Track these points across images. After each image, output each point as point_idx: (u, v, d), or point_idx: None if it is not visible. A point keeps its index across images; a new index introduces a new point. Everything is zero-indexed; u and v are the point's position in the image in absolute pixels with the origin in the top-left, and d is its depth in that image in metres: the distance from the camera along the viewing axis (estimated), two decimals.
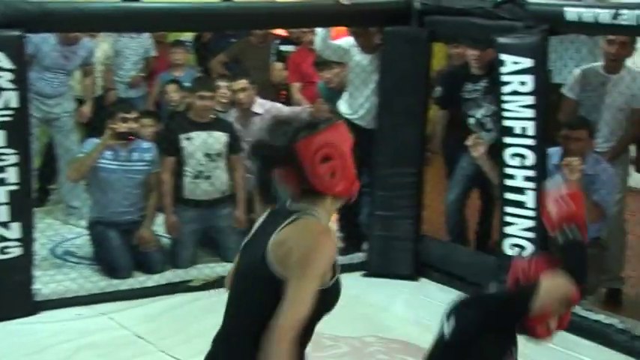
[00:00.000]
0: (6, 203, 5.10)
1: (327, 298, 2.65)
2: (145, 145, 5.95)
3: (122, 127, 5.68)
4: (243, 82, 6.35)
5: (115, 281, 5.65)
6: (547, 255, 3.40)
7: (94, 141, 5.80)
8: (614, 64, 5.55)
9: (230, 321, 2.70)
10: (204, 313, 5.18)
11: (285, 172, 2.55)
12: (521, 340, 3.32)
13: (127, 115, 5.75)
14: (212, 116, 6.12)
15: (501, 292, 3.36)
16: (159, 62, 7.77)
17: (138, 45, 7.52)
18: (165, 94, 7.11)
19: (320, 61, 6.44)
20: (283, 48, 7.66)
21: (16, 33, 5.05)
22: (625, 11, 4.69)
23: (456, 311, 3.00)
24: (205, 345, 4.86)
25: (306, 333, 2.63)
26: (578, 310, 5.14)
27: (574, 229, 3.12)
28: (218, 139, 6.02)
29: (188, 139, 5.96)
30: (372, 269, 6.04)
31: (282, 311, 2.47)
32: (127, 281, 5.66)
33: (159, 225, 6.14)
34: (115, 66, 7.46)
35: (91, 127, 6.66)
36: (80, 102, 7.08)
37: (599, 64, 5.75)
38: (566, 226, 3.13)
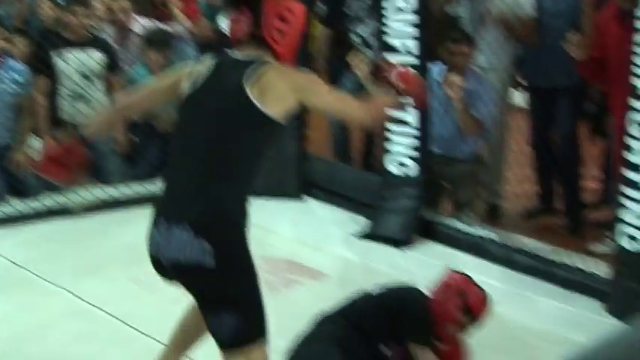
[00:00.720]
0: None
1: (279, 133, 3.12)
2: (16, 65, 5.76)
3: None
4: (121, 1, 6.21)
5: None
6: None
7: None
8: None
9: (212, 165, 2.96)
10: (84, 239, 5.20)
11: (246, 13, 2.95)
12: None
13: None
14: (88, 34, 5.99)
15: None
16: None
17: None
18: (36, 10, 6.84)
19: None
20: None
21: None
22: None
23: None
24: (87, 270, 4.86)
25: (259, 168, 3.14)
26: (460, 226, 5.41)
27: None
28: (95, 58, 5.93)
29: (62, 58, 5.84)
30: (257, 190, 6.01)
31: (346, 114, 3.23)
32: (1, 207, 5.57)
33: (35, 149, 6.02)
34: None
35: None
36: None
37: None
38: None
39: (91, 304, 4.37)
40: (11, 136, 5.77)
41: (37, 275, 4.70)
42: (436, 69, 5.47)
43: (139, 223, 4.63)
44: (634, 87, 4.26)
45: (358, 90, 6.08)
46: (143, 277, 4.04)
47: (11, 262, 4.87)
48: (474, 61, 5.50)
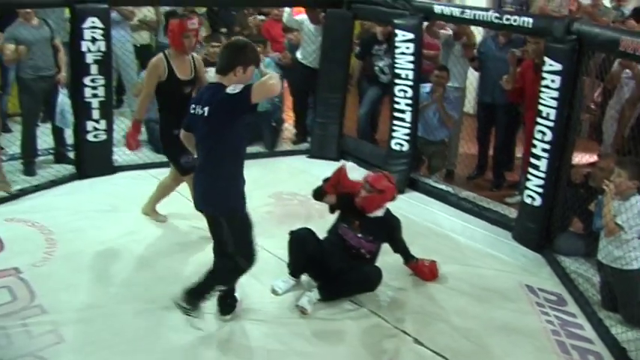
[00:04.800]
0: (98, 108, 5.06)
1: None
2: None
3: None
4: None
5: (153, 155, 5.49)
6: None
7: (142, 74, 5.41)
8: (456, 36, 5.68)
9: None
10: None
11: None
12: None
13: None
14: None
15: None
16: None
17: None
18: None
19: (285, 27, 6.32)
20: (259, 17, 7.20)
21: (104, 5, 4.94)
22: (467, 10, 4.80)
23: None
24: None
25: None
26: (431, 182, 5.36)
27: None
28: None
29: (206, 71, 5.32)
30: (313, 154, 6.08)
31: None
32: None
33: None
34: None
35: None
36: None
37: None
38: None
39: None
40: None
41: None
42: (427, 87, 5.43)
43: (246, 168, 4.58)
44: (539, 110, 4.23)
45: (379, 97, 6.16)
46: None
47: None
48: (448, 81, 5.44)
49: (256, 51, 3.09)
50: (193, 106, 3.00)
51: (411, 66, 5.23)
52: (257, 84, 2.80)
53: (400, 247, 3.83)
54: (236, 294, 3.35)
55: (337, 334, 3.26)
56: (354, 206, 3.60)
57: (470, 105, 6.14)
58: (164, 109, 4.03)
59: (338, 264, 3.52)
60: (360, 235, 3.61)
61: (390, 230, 3.72)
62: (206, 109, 2.88)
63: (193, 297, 3.11)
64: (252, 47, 3.02)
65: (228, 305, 3.29)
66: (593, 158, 4.69)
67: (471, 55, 5.64)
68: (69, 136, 5.39)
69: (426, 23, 5.36)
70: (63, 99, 5.15)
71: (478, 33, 5.82)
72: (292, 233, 3.56)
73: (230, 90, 2.80)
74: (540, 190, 4.35)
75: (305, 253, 3.51)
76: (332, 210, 3.68)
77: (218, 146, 2.88)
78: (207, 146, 2.92)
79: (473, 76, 5.89)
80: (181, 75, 4.03)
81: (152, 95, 4.06)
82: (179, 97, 3.94)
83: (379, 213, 3.64)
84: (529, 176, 4.42)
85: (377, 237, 3.66)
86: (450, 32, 5.77)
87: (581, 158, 4.46)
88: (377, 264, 3.66)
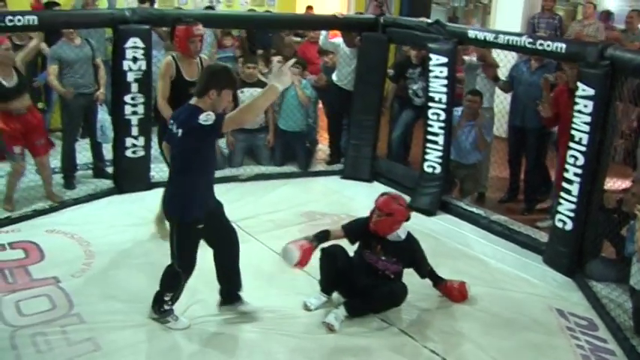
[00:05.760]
0: (137, 125, 5.20)
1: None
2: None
3: None
4: (278, 57, 6.28)
5: None
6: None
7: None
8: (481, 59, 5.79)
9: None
10: (247, 195, 5.37)
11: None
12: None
13: None
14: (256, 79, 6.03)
15: None
16: None
17: None
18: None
19: (321, 50, 6.46)
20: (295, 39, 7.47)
21: (146, 27, 5.13)
22: (501, 35, 4.87)
23: None
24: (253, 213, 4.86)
25: None
26: (463, 205, 5.36)
27: None
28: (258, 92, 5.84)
29: (241, 92, 5.84)
30: (347, 174, 6.15)
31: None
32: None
33: (222, 142, 5.97)
34: None
35: None
36: None
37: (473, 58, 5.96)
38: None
39: (250, 234, 4.52)
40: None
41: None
42: (459, 110, 5.48)
43: (280, 187, 4.80)
44: (572, 135, 4.28)
45: (413, 119, 6.25)
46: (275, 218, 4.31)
47: None
48: (480, 106, 5.46)
49: (231, 75, 3.23)
50: (171, 121, 3.23)
51: (445, 89, 5.30)
52: (229, 116, 3.00)
53: (426, 271, 3.82)
54: (240, 293, 3.53)
55: (365, 351, 3.32)
56: (371, 231, 3.67)
57: (502, 129, 6.17)
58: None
59: (364, 280, 3.61)
60: (383, 258, 3.67)
61: (411, 253, 3.73)
62: (180, 130, 3.11)
63: (155, 305, 3.38)
64: (226, 71, 3.21)
65: (227, 295, 3.48)
66: (627, 184, 4.68)
67: (493, 74, 5.72)
68: (107, 151, 5.59)
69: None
70: (103, 115, 5.37)
71: (512, 57, 5.88)
72: (324, 249, 3.65)
73: (202, 120, 2.98)
74: (572, 214, 4.37)
75: (336, 267, 3.60)
76: (351, 241, 3.73)
77: (187, 161, 3.13)
78: (178, 160, 3.19)
79: (506, 101, 5.95)
80: (188, 76, 4.32)
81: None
82: (184, 97, 4.12)
83: (402, 235, 3.69)
84: (561, 200, 4.44)
85: (400, 259, 3.71)
86: (473, 57, 5.88)
87: (615, 183, 4.44)
88: (406, 283, 3.71)
